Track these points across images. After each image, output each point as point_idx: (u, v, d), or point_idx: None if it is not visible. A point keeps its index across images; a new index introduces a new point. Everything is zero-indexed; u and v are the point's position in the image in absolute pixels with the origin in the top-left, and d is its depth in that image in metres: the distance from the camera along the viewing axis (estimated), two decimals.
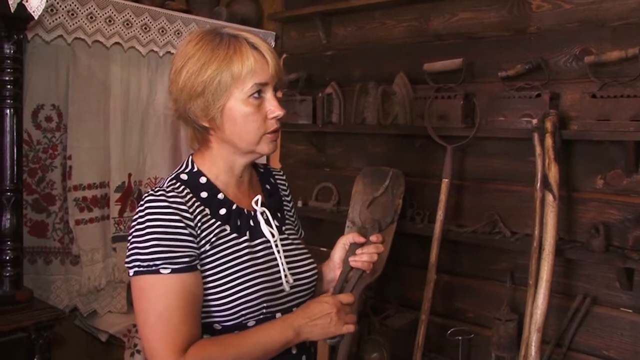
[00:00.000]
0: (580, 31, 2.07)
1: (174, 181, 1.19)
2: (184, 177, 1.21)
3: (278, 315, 1.21)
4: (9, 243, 1.95)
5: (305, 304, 1.22)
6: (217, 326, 1.17)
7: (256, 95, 1.17)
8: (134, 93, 2.58)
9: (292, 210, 1.43)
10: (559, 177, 1.90)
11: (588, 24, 2.06)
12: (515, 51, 2.21)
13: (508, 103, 2.13)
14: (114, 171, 2.55)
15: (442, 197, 2.24)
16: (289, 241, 1.30)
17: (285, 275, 1.23)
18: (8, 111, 1.93)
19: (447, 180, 2.25)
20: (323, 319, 1.18)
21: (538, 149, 1.96)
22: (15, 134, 1.95)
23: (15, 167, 1.95)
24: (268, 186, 1.37)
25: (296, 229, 1.41)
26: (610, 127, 1.89)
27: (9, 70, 1.92)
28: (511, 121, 2.12)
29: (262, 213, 1.26)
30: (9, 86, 1.92)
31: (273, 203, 1.34)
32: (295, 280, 1.25)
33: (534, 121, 2.00)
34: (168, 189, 1.15)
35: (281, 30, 3.05)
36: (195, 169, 1.23)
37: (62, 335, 2.39)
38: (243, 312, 1.16)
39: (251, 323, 1.17)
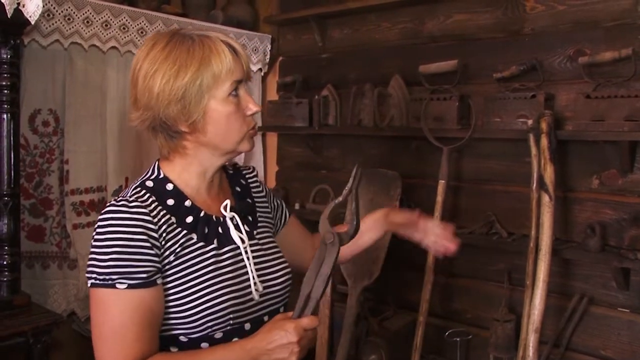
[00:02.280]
0: (574, 32, 2.08)
1: (139, 189, 1.14)
2: (150, 184, 1.17)
3: (247, 325, 1.16)
4: (6, 248, 1.95)
5: (268, 328, 1.08)
6: (183, 338, 1.12)
7: (234, 93, 1.15)
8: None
9: (269, 208, 1.36)
10: (554, 177, 1.91)
11: (581, 25, 2.07)
12: (509, 52, 2.22)
13: (503, 104, 2.14)
14: (111, 175, 2.54)
15: (439, 198, 2.24)
16: (260, 246, 1.25)
17: (255, 284, 1.18)
18: (5, 116, 1.94)
19: (443, 181, 2.25)
20: (282, 350, 1.04)
21: (534, 150, 1.97)
22: (12, 138, 1.95)
23: (12, 172, 1.96)
24: (238, 188, 1.32)
25: (273, 221, 1.35)
26: (604, 127, 1.89)
27: (5, 75, 1.92)
28: (507, 122, 2.13)
29: (232, 218, 1.21)
30: (5, 91, 1.93)
31: (244, 206, 1.28)
32: (265, 287, 1.20)
33: (529, 122, 2.01)
34: (131, 199, 1.10)
35: (277, 33, 3.06)
36: (162, 176, 1.18)
37: (60, 340, 2.38)
38: (209, 324, 1.11)
39: (218, 335, 1.12)
